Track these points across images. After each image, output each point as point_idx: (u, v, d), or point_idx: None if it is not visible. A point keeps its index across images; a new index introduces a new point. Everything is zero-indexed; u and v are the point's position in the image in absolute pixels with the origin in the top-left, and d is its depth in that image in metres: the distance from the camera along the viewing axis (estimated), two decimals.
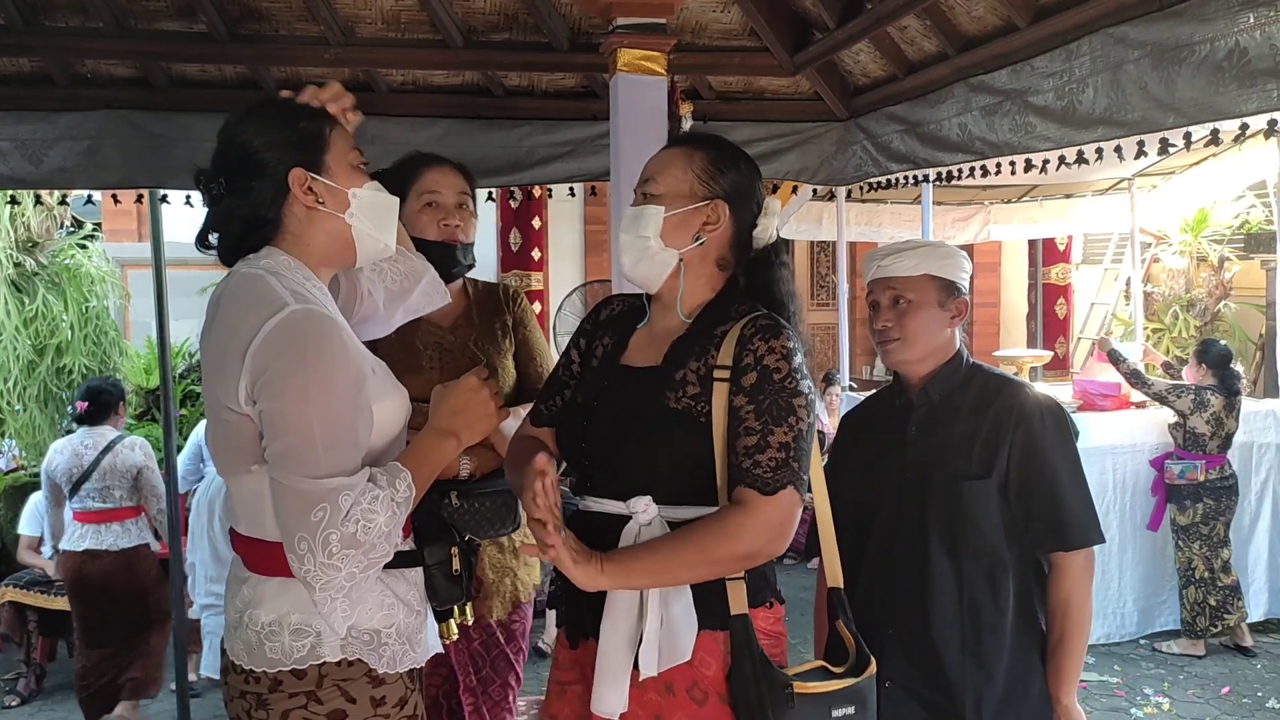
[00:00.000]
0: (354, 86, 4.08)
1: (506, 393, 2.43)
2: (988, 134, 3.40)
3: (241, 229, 1.71)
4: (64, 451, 4.63)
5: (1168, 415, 5.44)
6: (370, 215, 1.74)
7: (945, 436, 2.11)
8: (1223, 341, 5.84)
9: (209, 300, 1.71)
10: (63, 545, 4.66)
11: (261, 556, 1.69)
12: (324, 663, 1.64)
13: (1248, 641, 5.39)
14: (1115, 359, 5.52)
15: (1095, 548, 2.09)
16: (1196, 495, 5.27)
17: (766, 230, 1.81)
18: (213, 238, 1.76)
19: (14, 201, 5.91)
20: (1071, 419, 2.16)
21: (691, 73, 4.20)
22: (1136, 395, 5.62)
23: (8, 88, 3.95)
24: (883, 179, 4.34)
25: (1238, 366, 5.50)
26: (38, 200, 5.84)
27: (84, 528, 4.59)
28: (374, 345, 1.93)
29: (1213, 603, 5.28)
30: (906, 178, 4.35)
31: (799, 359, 1.70)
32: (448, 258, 2.35)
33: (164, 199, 4.21)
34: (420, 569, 1.79)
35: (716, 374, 1.70)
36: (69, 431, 5.86)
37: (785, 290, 1.81)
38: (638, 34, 3.36)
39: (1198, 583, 5.30)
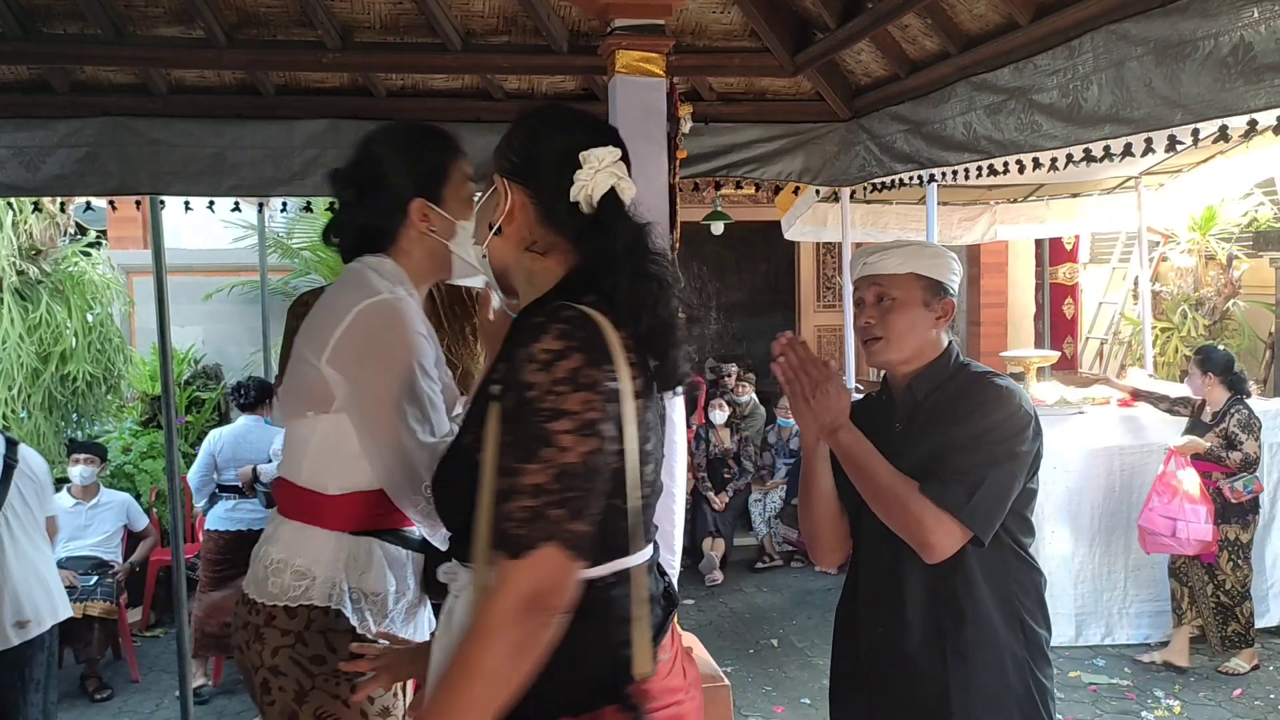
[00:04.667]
0: (352, 91, 4.14)
1: None
2: (994, 133, 3.36)
3: (359, 236, 1.98)
4: None
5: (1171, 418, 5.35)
6: (470, 245, 1.90)
7: (926, 435, 2.07)
8: (1220, 346, 5.74)
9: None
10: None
11: (288, 498, 1.91)
12: (313, 606, 1.82)
13: None
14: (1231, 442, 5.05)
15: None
16: (1255, 507, 5.12)
17: (587, 187, 1.48)
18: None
19: (10, 207, 5.90)
20: (1038, 427, 2.05)
21: (691, 74, 4.18)
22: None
23: (6, 95, 3.95)
24: (887, 179, 4.30)
25: (1239, 368, 5.38)
26: (36, 207, 5.86)
27: None
28: None
29: (1252, 609, 5.18)
30: (911, 177, 4.31)
31: (573, 362, 1.32)
32: None
33: (162, 204, 4.19)
34: (421, 558, 1.96)
35: (491, 392, 1.39)
36: (72, 440, 5.87)
37: (623, 259, 1.46)
38: (636, 35, 3.32)
39: (1249, 596, 5.14)
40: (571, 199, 1.48)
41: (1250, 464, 5.01)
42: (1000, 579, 2.03)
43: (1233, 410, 5.06)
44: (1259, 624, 5.55)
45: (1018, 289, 9.68)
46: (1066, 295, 9.14)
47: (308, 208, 5.58)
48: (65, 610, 4.03)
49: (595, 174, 1.48)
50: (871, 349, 2.14)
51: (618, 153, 1.51)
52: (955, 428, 2.01)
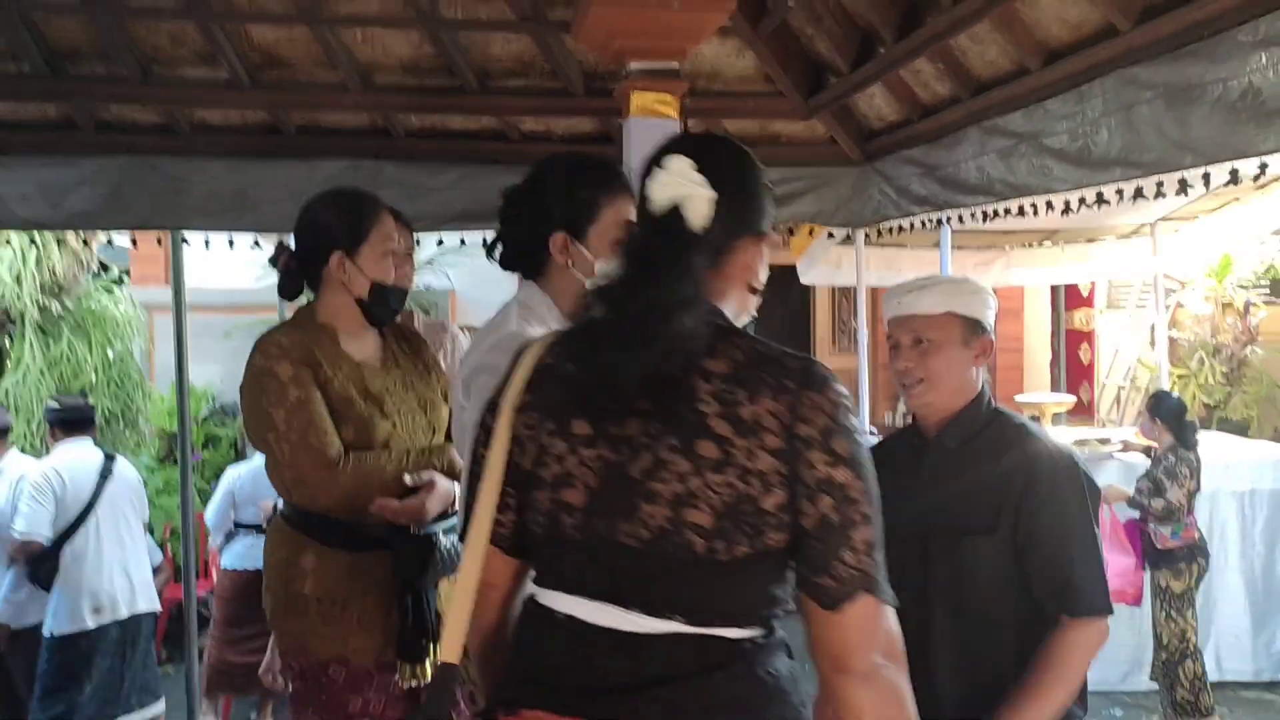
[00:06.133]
0: (372, 131, 4.20)
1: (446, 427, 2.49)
2: (1006, 176, 3.39)
3: (511, 254, 2.04)
4: None
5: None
6: None
7: (955, 486, 2.03)
8: (1175, 394, 5.61)
9: None
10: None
11: None
12: None
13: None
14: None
15: (1110, 622, 1.99)
16: (1191, 555, 4.83)
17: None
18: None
19: (34, 243, 5.99)
20: (1089, 475, 2.07)
21: (706, 117, 4.22)
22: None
23: (32, 133, 4.02)
24: (902, 222, 4.32)
25: (1190, 418, 5.13)
26: (59, 243, 5.95)
27: None
28: (335, 399, 2.17)
29: (1201, 671, 4.83)
30: (926, 220, 4.33)
31: None
32: (400, 303, 2.45)
33: (185, 242, 4.25)
34: None
35: None
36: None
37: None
38: (650, 78, 3.38)
39: (1193, 655, 4.83)
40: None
41: (1172, 513, 4.79)
42: (1033, 645, 1.99)
43: (1163, 457, 4.91)
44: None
45: (1033, 334, 9.67)
46: (1082, 341, 9.12)
47: None
48: (147, 605, 4.63)
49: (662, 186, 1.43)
50: (912, 393, 2.09)
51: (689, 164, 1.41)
52: (1038, 515, 1.96)
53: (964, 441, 2.07)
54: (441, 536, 2.24)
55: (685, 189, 1.39)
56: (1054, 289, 9.26)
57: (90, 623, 4.36)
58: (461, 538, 1.50)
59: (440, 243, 7.00)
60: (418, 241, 4.34)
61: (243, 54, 3.84)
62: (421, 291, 7.74)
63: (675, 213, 1.39)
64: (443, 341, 3.18)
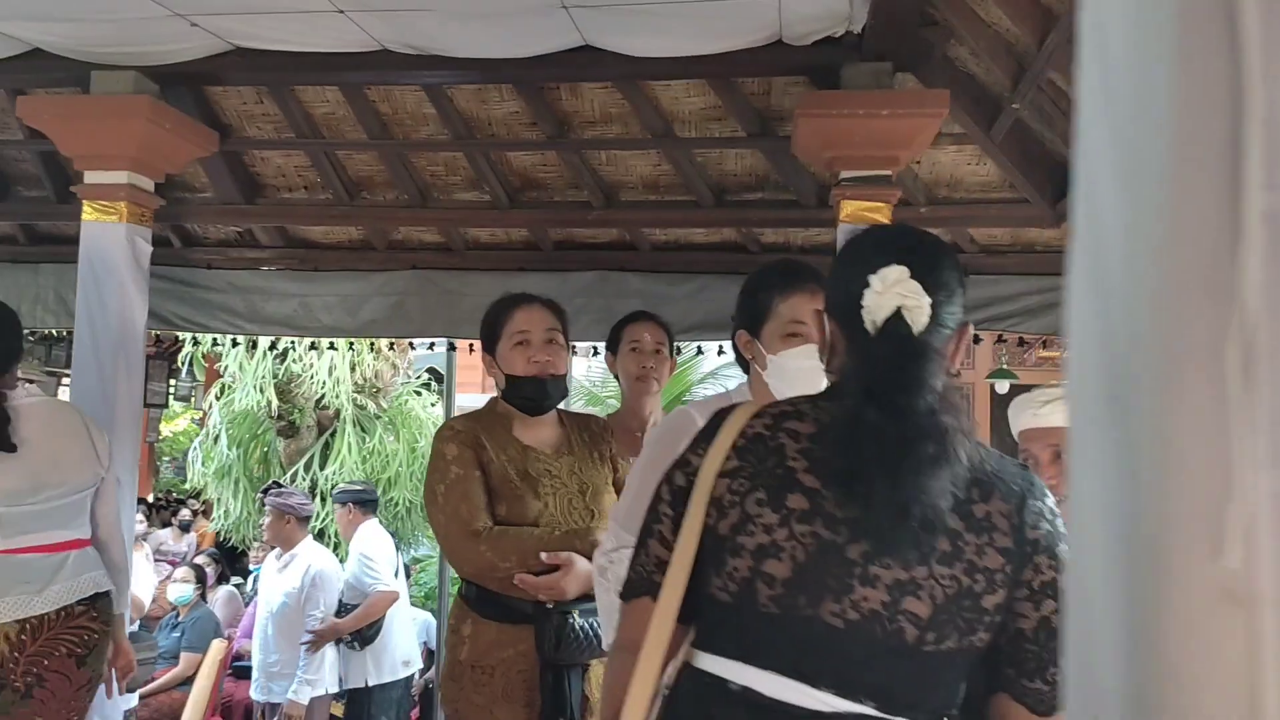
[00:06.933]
0: (619, 245, 4.47)
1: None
2: None
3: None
4: None
5: None
6: (781, 376, 2.09)
7: None
8: None
9: None
10: None
11: None
12: None
13: None
14: None
15: None
16: None
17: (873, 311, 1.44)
18: None
19: (351, 348, 6.82)
20: None
21: (949, 226, 4.12)
22: None
23: (338, 252, 4.65)
24: None
25: None
26: (375, 350, 6.72)
27: None
28: (495, 478, 2.19)
29: None
30: None
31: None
32: (538, 390, 2.51)
33: (452, 347, 4.70)
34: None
35: None
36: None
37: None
38: (862, 185, 3.39)
39: None
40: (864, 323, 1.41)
41: None
42: None
43: None
44: None
45: None
46: None
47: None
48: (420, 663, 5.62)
49: (880, 295, 1.40)
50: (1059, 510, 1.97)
51: (905, 272, 1.39)
52: None
53: None
54: (576, 616, 2.31)
55: (908, 299, 1.38)
56: None
57: (401, 673, 5.27)
58: (624, 593, 1.48)
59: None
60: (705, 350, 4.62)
61: (504, 179, 4.25)
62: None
63: (898, 317, 1.37)
64: None
